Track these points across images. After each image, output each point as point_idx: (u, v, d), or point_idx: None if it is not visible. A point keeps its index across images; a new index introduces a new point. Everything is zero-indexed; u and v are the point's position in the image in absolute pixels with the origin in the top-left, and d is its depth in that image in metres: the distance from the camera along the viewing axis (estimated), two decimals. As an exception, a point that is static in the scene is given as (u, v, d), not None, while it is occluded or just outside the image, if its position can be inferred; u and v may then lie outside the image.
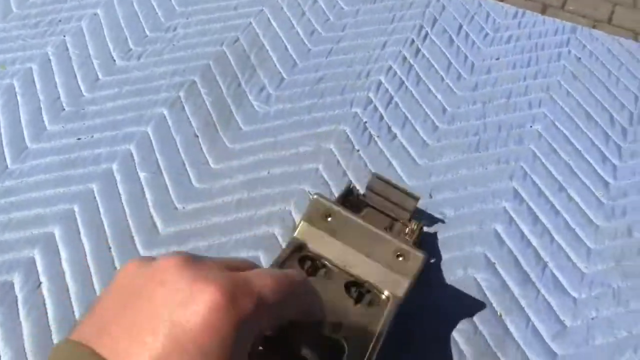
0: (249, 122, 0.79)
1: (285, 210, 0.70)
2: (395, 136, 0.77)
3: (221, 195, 0.71)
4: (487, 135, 0.78)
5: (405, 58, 0.86)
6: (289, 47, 0.88)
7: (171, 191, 0.72)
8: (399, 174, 0.73)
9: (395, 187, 0.65)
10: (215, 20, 0.91)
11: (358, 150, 0.76)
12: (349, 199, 0.64)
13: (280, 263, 0.55)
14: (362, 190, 0.67)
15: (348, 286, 0.55)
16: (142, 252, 0.67)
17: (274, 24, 0.91)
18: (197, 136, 0.77)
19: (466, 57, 0.87)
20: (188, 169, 0.74)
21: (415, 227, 0.62)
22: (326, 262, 0.56)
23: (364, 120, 0.79)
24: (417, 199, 0.65)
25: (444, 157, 0.75)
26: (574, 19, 2.31)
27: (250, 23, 0.90)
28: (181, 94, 0.82)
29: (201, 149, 0.76)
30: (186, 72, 0.84)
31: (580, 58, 0.88)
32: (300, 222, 0.58)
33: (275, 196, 0.71)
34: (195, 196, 0.71)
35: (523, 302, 0.63)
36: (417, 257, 0.55)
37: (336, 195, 0.69)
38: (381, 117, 0.79)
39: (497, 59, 0.87)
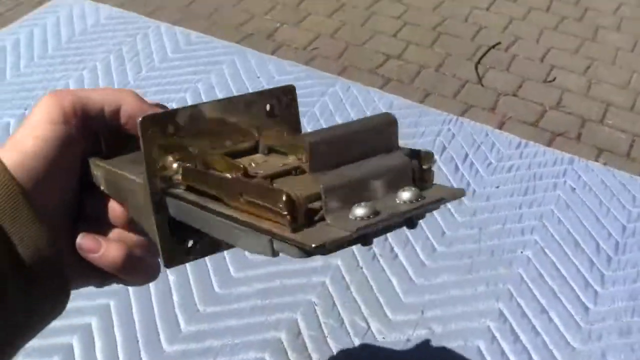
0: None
1: (292, 318, 0.79)
2: (396, 255, 0.86)
3: (238, 301, 0.81)
4: (480, 258, 0.86)
5: (413, 183, 0.95)
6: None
7: (195, 294, 0.82)
8: (396, 290, 0.82)
9: None
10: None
11: (362, 267, 0.85)
12: None
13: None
14: None
15: None
16: (166, 346, 0.76)
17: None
18: (222, 246, 0.87)
19: (469, 184, 0.96)
20: (211, 275, 0.84)
21: None
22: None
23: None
24: None
25: (439, 278, 0.84)
26: (613, 134, 2.35)
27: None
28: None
29: (224, 257, 0.86)
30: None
31: (575, 188, 0.96)
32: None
33: (284, 305, 0.81)
34: (216, 300, 0.81)
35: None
36: None
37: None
38: (386, 237, 0.88)
39: (497, 187, 0.96)
